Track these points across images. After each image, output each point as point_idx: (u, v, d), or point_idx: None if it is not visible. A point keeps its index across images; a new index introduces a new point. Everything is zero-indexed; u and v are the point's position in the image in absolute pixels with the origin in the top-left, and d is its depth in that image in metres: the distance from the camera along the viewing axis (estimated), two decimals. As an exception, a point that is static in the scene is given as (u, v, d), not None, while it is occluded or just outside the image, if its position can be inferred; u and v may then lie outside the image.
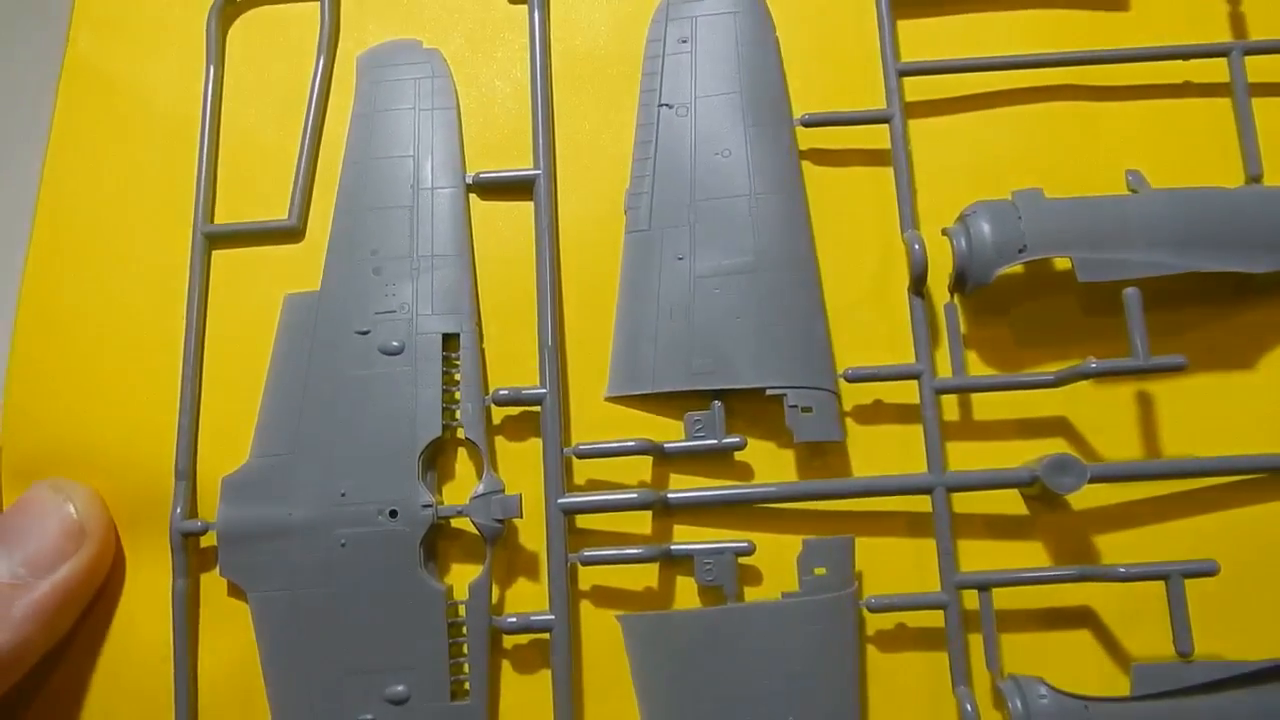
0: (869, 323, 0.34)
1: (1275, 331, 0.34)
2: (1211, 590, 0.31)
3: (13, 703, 0.32)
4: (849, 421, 0.34)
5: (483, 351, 0.34)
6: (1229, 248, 0.33)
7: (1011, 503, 0.33)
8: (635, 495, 0.32)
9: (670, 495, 0.33)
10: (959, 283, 0.33)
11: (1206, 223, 0.33)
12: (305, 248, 0.35)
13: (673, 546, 0.32)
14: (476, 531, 0.32)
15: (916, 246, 0.33)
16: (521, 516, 0.32)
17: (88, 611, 0.32)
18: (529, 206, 0.35)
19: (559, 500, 0.32)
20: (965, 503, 0.33)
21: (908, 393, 0.33)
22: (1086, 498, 0.33)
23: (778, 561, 0.32)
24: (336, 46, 0.37)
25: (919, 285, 0.33)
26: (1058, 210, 0.33)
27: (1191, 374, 0.33)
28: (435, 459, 0.33)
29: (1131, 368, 0.31)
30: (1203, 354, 0.33)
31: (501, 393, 0.33)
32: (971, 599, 0.32)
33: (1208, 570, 0.30)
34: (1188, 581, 0.31)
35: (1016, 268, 0.33)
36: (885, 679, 0.32)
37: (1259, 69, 0.35)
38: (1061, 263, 0.34)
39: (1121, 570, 0.31)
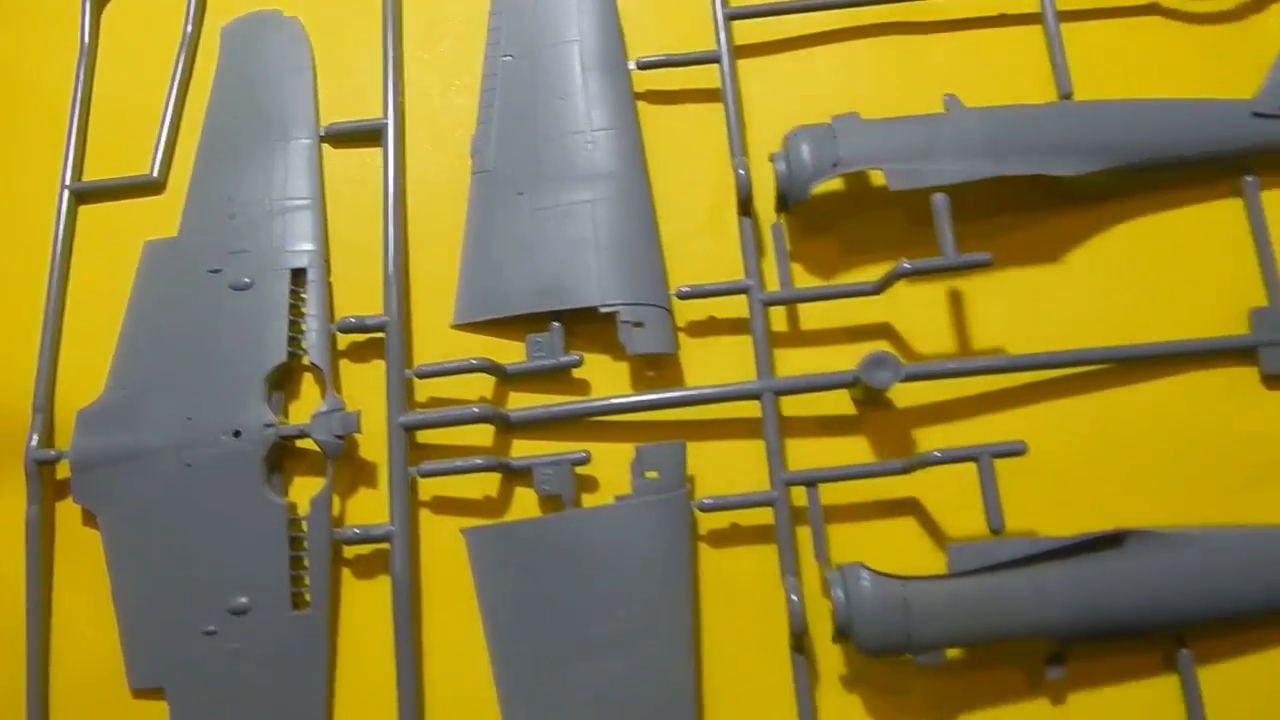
0: (705, 247, 0.36)
1: (1082, 233, 0.35)
2: (1023, 474, 0.32)
3: None
4: (684, 337, 0.35)
5: (330, 285, 0.35)
6: (1037, 154, 0.34)
7: (841, 405, 0.34)
8: (475, 410, 0.33)
9: (510, 412, 0.34)
10: (782, 203, 0.35)
11: (1015, 134, 0.34)
12: (167, 200, 0.37)
13: (512, 459, 0.34)
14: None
15: (741, 172, 0.35)
16: (360, 431, 0.33)
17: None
18: (379, 153, 0.37)
19: (400, 417, 0.33)
20: (797, 407, 0.34)
21: (740, 308, 0.35)
22: (908, 396, 0.34)
23: (615, 470, 0.33)
24: (204, 19, 0.39)
25: (745, 208, 0.35)
26: (872, 129, 0.35)
27: (1003, 274, 0.35)
28: (283, 384, 0.34)
29: (941, 265, 0.33)
30: (1016, 256, 0.35)
31: (348, 320, 0.34)
32: (801, 496, 0.33)
33: (1015, 450, 0.31)
34: (1002, 466, 0.31)
35: (837, 184, 0.35)
36: (718, 574, 0.33)
37: (1064, -1, 0.37)
38: (882, 179, 0.36)
39: (937, 454, 0.32)
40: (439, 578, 0.33)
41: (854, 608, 0.30)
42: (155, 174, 0.37)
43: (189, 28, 0.38)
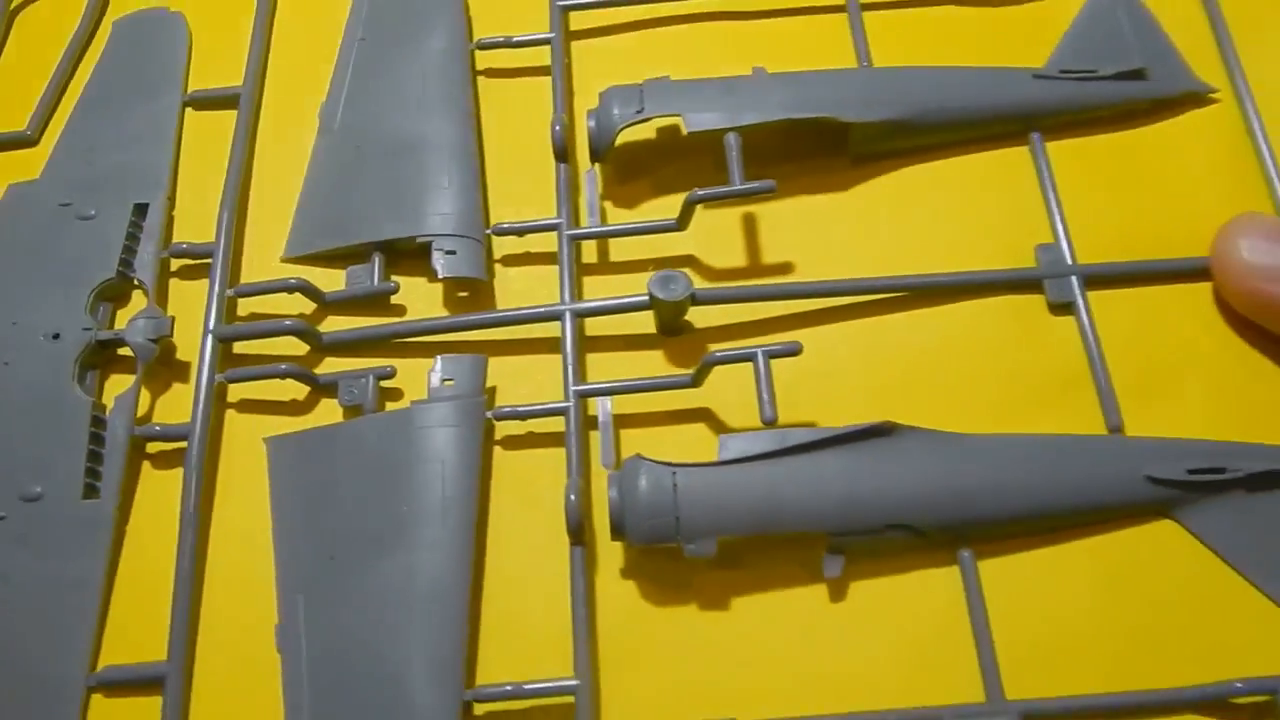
0: (528, 197, 0.38)
1: (880, 181, 0.37)
2: (812, 392, 0.33)
3: None
4: (499, 268, 0.37)
5: (171, 218, 0.38)
6: (830, 104, 0.37)
7: (645, 325, 0.35)
8: (287, 323, 0.35)
9: (324, 333, 0.35)
10: (595, 153, 0.37)
11: (810, 89, 0.37)
12: (39, 153, 0.40)
13: (320, 375, 0.35)
14: (135, 355, 0.35)
15: (558, 128, 0.37)
16: (169, 335, 0.34)
17: None
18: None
19: (216, 328, 0.35)
20: (601, 328, 0.35)
21: (553, 244, 0.36)
22: (706, 318, 0.35)
23: (420, 384, 0.34)
24: (101, 20, 0.43)
25: (561, 156, 0.37)
26: (678, 86, 0.37)
27: (801, 212, 0.37)
28: (115, 299, 0.36)
29: (729, 192, 0.35)
30: (815, 198, 0.37)
31: (179, 246, 0.37)
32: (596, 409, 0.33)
33: (791, 350, 0.32)
34: (790, 384, 0.33)
35: (648, 134, 0.38)
36: (512, 479, 0.33)
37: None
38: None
39: (717, 354, 0.32)
40: (237, 483, 0.34)
41: (625, 494, 0.31)
42: (31, 131, 0.40)
43: (84, 24, 0.43)
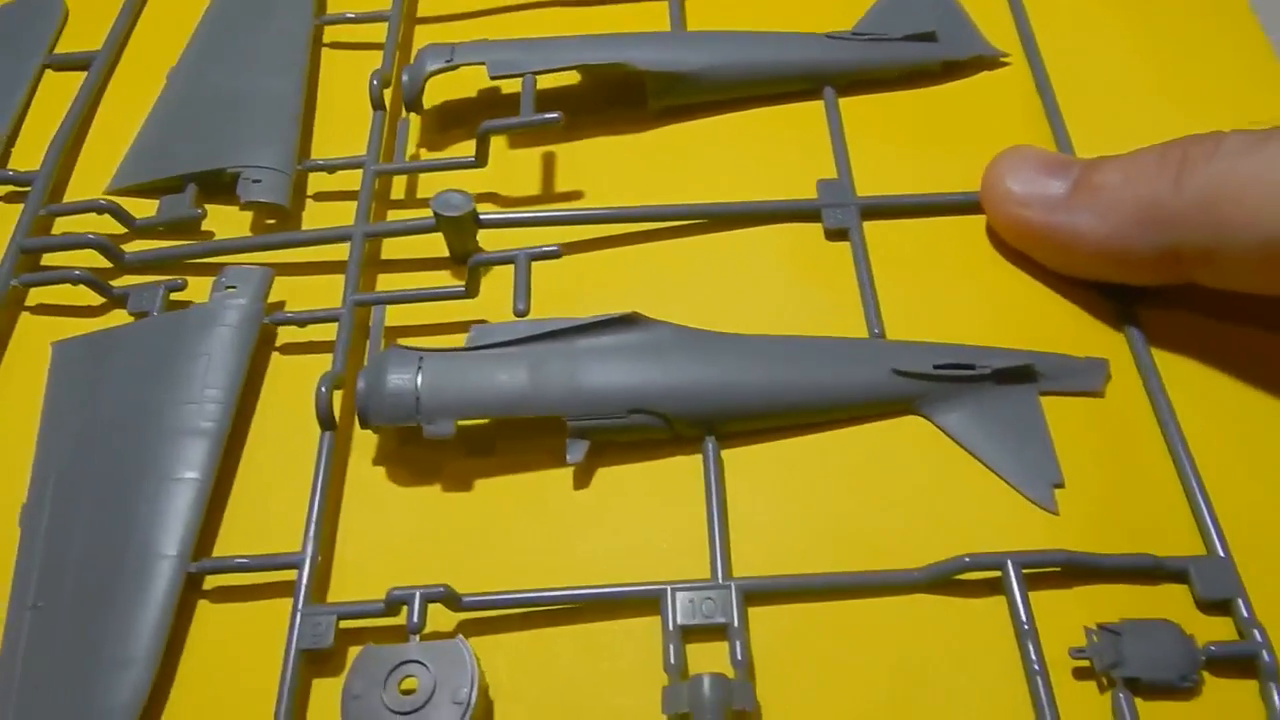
0: (352, 145, 0.39)
1: (682, 128, 0.39)
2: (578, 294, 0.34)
3: None
4: (310, 203, 0.38)
5: (8, 154, 0.40)
6: (619, 55, 0.38)
7: (438, 250, 0.36)
8: (90, 237, 0.36)
9: (126, 254, 0.37)
10: (407, 102, 0.39)
11: (607, 44, 0.39)
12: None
13: (114, 288, 0.36)
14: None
15: (375, 81, 0.39)
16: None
17: None
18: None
19: (22, 240, 0.36)
20: (397, 251, 0.36)
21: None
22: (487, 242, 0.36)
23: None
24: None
25: (377, 105, 0.39)
26: (486, 44, 0.40)
27: (602, 149, 0.39)
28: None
29: (517, 123, 0.36)
30: (619, 139, 0.39)
31: (6, 173, 0.38)
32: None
33: (551, 253, 0.33)
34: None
35: (469, 92, 0.40)
36: (284, 380, 0.34)
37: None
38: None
39: (482, 256, 0.34)
40: (16, 386, 0.34)
41: (371, 380, 0.31)
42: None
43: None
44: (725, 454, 0.31)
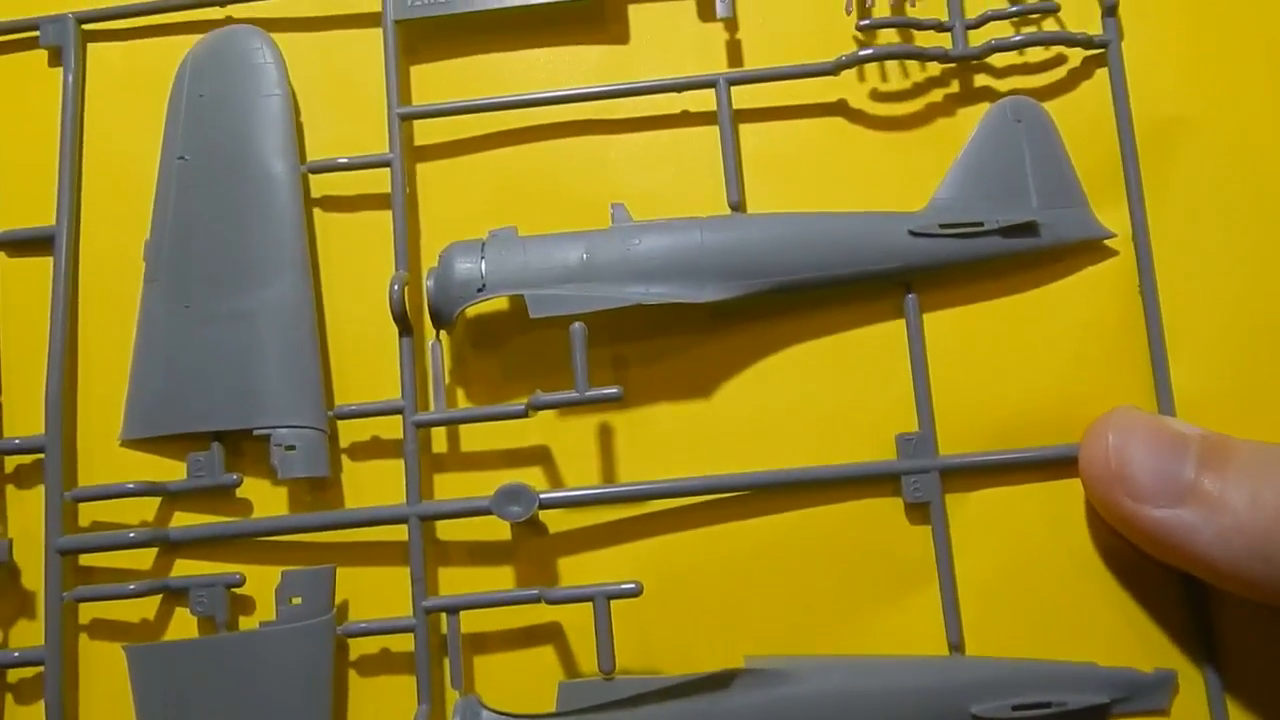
0: (373, 363, 0.36)
1: (737, 358, 0.35)
2: (647, 607, 0.33)
3: None
4: (345, 458, 0.35)
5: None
6: (684, 280, 0.34)
7: (498, 530, 0.35)
8: (132, 534, 0.34)
9: (171, 531, 0.35)
10: (435, 321, 0.35)
11: (665, 255, 0.34)
12: None
13: (169, 581, 0.35)
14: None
15: (396, 287, 0.34)
16: (7, 560, 0.34)
17: None
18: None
19: (58, 541, 0.34)
20: (455, 531, 0.35)
21: (399, 428, 0.35)
22: (560, 521, 0.35)
23: (270, 591, 0.34)
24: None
25: (402, 325, 0.35)
26: (523, 247, 0.34)
27: (653, 402, 0.35)
28: (-52, 511, 0.35)
29: (572, 400, 0.33)
30: (668, 383, 0.35)
31: (9, 442, 0.35)
32: (445, 623, 0.33)
33: (630, 591, 0.32)
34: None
35: (500, 301, 0.35)
36: (366, 699, 0.34)
37: (745, 98, 0.36)
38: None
39: (560, 592, 0.33)
40: (101, 700, 0.34)
41: (468, 747, 0.32)
42: None
43: None
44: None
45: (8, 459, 0.35)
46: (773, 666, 0.32)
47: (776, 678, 0.32)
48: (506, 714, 0.32)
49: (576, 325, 0.33)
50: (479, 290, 0.34)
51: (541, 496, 0.33)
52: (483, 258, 0.34)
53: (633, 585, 0.32)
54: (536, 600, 0.33)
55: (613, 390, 0.33)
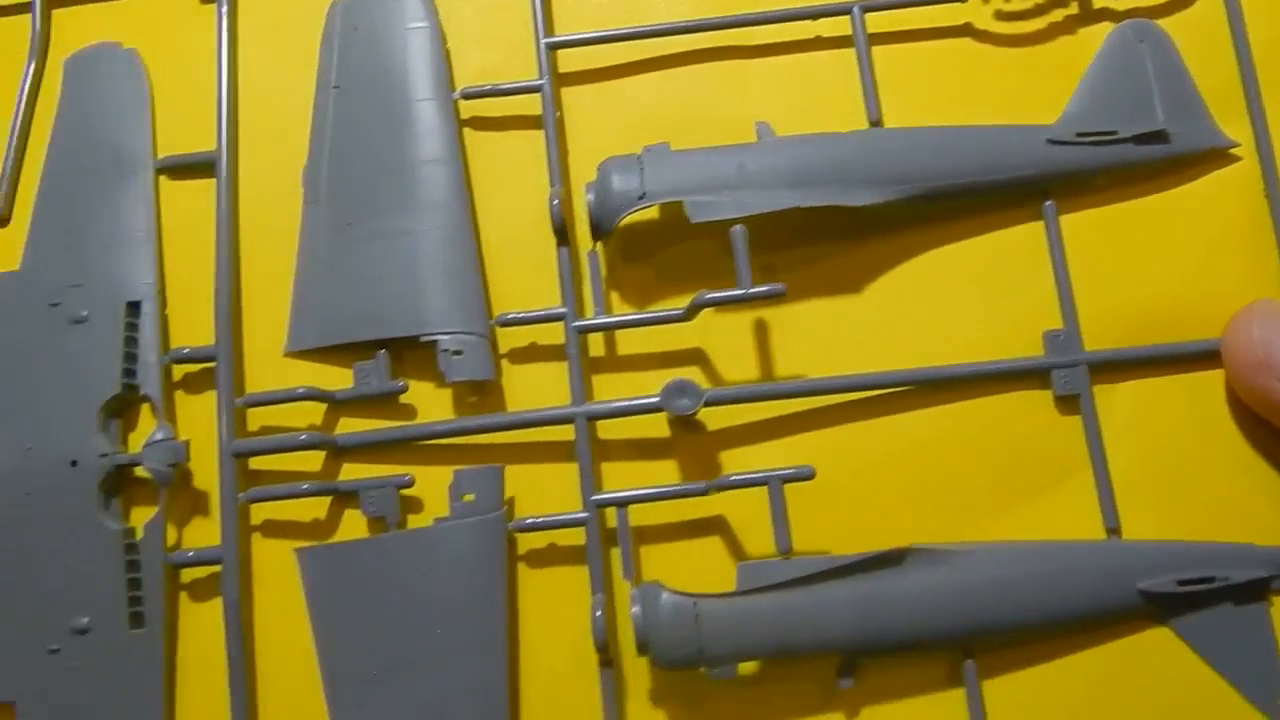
0: (529, 274, 0.37)
1: (883, 261, 0.36)
2: (819, 493, 0.34)
3: None
4: (505, 363, 0.37)
5: (165, 317, 0.37)
6: (836, 185, 0.35)
7: (656, 428, 0.36)
8: (302, 437, 0.35)
9: (338, 438, 0.36)
10: (596, 231, 0.36)
11: (816, 165, 0.36)
12: (12, 233, 0.38)
13: (339, 482, 0.35)
14: (152, 477, 0.35)
15: (555, 203, 0.36)
16: (187, 461, 0.35)
17: None
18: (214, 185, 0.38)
19: (232, 444, 0.35)
20: (614, 430, 0.36)
21: (559, 335, 0.36)
22: (718, 419, 0.36)
23: (438, 492, 0.35)
24: (47, 54, 0.40)
25: (562, 237, 0.36)
26: (679, 160, 0.36)
27: (806, 301, 0.36)
28: (121, 414, 0.36)
29: (736, 297, 0.34)
30: (820, 284, 0.36)
31: (180, 351, 0.36)
32: (613, 517, 0.34)
33: (804, 475, 0.33)
34: (800, 487, 0.34)
35: (653, 213, 0.37)
36: (537, 592, 0.35)
37: (877, 23, 0.38)
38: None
39: (734, 478, 0.34)
40: (273, 598, 0.35)
41: (650, 624, 0.32)
42: (1, 209, 0.38)
43: (32, 63, 0.39)
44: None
45: (176, 368, 0.36)
46: (944, 548, 0.33)
47: (949, 557, 0.33)
48: (689, 593, 0.33)
49: (737, 228, 0.34)
50: (640, 198, 0.35)
51: (706, 393, 0.34)
52: (642, 169, 0.35)
53: (807, 468, 0.33)
54: (704, 493, 0.34)
55: (777, 286, 0.34)
